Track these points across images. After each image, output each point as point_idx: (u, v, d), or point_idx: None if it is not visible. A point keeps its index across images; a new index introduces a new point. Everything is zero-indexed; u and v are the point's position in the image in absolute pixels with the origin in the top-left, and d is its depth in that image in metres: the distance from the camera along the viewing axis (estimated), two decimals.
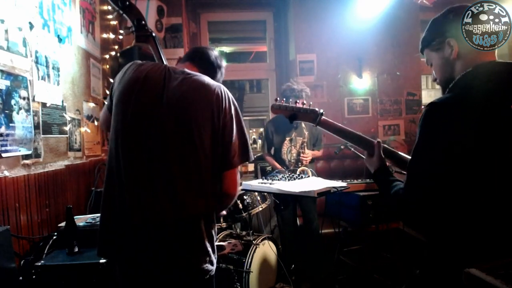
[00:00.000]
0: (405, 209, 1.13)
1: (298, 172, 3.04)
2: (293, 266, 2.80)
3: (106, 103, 1.46)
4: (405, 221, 1.48)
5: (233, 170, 1.34)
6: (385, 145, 1.45)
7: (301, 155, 3.19)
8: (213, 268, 1.31)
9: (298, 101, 1.62)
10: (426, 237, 1.22)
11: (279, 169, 3.22)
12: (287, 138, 3.33)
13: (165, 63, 1.75)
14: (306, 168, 3.18)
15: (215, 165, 1.30)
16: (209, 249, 1.29)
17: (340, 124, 1.58)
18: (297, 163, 3.21)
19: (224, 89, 1.35)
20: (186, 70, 1.38)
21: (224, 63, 1.57)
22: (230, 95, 1.37)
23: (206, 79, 1.36)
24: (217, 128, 1.29)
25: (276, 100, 1.63)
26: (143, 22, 1.74)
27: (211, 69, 1.50)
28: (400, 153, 1.46)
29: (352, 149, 2.96)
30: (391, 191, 1.19)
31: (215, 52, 1.54)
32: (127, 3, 1.70)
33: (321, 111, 1.58)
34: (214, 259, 1.32)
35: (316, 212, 3.27)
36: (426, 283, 1.22)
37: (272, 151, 3.50)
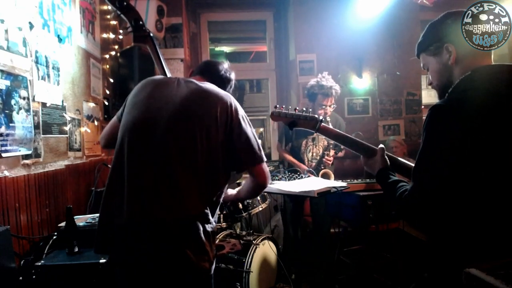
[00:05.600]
0: (412, 210, 1.13)
1: (320, 175, 2.94)
2: (293, 268, 2.80)
3: (116, 114, 1.51)
4: (411, 222, 1.48)
5: (260, 165, 1.40)
6: (389, 154, 1.45)
7: (325, 157, 3.04)
8: (212, 268, 1.32)
9: (297, 107, 1.62)
10: (431, 238, 1.22)
11: (300, 166, 3.07)
12: (309, 137, 3.16)
13: (163, 63, 1.77)
14: (329, 171, 3.04)
15: (219, 169, 1.33)
16: (208, 248, 1.29)
17: (340, 131, 1.59)
18: (319, 164, 3.07)
19: (231, 98, 1.42)
20: (197, 81, 1.44)
21: (233, 76, 1.63)
22: (238, 104, 1.43)
23: (215, 88, 1.43)
24: (223, 135, 1.33)
25: (275, 107, 1.63)
26: (140, 22, 1.75)
27: (221, 82, 1.56)
28: (400, 159, 1.46)
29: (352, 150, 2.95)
30: (396, 193, 1.18)
31: (224, 65, 1.60)
32: (125, 3, 1.71)
33: (321, 118, 1.58)
34: (213, 259, 1.33)
35: (327, 214, 3.10)
36: (434, 285, 1.22)
37: (288, 148, 3.32)
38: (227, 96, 1.41)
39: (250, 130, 1.41)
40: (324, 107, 2.98)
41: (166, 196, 1.24)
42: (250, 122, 1.44)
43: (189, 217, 1.26)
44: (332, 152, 3.07)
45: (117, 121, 1.48)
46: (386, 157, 1.40)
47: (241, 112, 1.42)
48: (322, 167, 3.07)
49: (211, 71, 1.57)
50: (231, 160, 1.37)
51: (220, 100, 1.37)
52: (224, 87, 1.57)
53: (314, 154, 3.17)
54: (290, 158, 3.23)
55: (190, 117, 1.31)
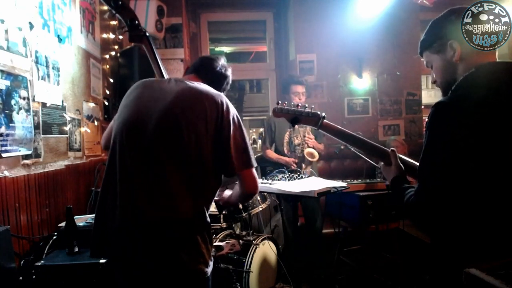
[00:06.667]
0: (417, 210, 1.12)
1: (305, 154, 3.15)
2: (292, 268, 2.80)
3: (114, 118, 1.49)
4: (417, 223, 1.45)
5: (247, 170, 1.36)
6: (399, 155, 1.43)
7: (306, 136, 3.23)
8: (208, 269, 1.31)
9: (300, 104, 1.62)
10: (434, 238, 1.21)
11: (285, 159, 3.25)
12: (289, 130, 3.35)
13: (159, 63, 1.76)
14: (313, 150, 3.20)
15: (209, 168, 1.31)
16: (204, 250, 1.28)
17: (342, 128, 1.57)
18: (303, 145, 3.25)
19: (223, 97, 1.38)
20: (189, 81, 1.41)
21: (229, 72, 1.58)
22: (230, 104, 1.39)
23: (206, 87, 1.39)
24: (212, 135, 1.29)
25: (278, 103, 1.63)
26: (136, 22, 1.75)
27: (216, 80, 1.53)
28: (408, 159, 1.45)
29: (352, 149, 2.95)
30: (404, 197, 1.18)
31: (220, 61, 1.55)
32: (120, 3, 1.70)
33: (323, 114, 1.57)
34: (209, 260, 1.32)
35: (320, 211, 3.26)
36: (436, 286, 1.22)
37: (273, 148, 3.50)
38: (219, 95, 1.37)
39: (239, 133, 1.35)
40: (297, 93, 3.29)
41: (157, 198, 1.23)
42: (242, 124, 1.38)
43: (182, 218, 1.24)
44: (312, 135, 3.29)
45: (113, 124, 1.47)
46: (400, 164, 1.38)
47: (233, 112, 1.36)
48: (307, 146, 3.25)
49: (206, 68, 1.52)
50: (220, 162, 1.33)
51: (211, 99, 1.33)
52: (220, 84, 1.54)
53: (296, 144, 3.34)
54: (275, 156, 3.40)
55: (179, 116, 1.27)
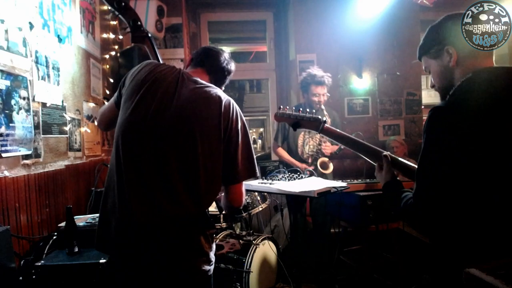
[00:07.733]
0: (416, 215, 1.12)
1: (318, 164, 3.03)
2: (294, 269, 2.80)
3: (113, 97, 1.47)
4: (416, 224, 1.46)
5: (238, 184, 1.36)
6: (392, 156, 1.43)
7: (322, 145, 3.11)
8: (211, 268, 1.31)
9: (301, 108, 1.63)
10: (433, 239, 1.21)
11: (298, 165, 3.11)
12: (305, 130, 3.15)
13: (161, 63, 1.76)
14: (327, 159, 3.10)
15: (216, 173, 1.31)
16: (207, 249, 1.29)
17: (342, 132, 1.58)
18: (317, 154, 3.14)
19: (233, 104, 1.38)
20: (199, 79, 1.39)
21: (233, 67, 1.57)
22: (239, 110, 1.39)
23: (218, 91, 1.38)
24: (222, 141, 1.30)
25: (279, 108, 1.65)
26: (138, 23, 1.76)
27: (220, 74, 1.52)
28: (405, 161, 1.45)
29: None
30: (401, 203, 1.19)
31: (225, 55, 1.54)
32: (123, 4, 1.71)
33: (324, 119, 1.59)
34: (212, 259, 1.32)
35: (327, 214, 3.17)
36: (436, 286, 1.22)
37: (285, 146, 3.37)
38: (229, 101, 1.36)
39: (246, 142, 1.36)
40: (317, 95, 3.10)
41: (159, 199, 1.23)
42: (248, 134, 1.39)
43: (184, 218, 1.25)
44: (328, 142, 3.15)
45: (114, 107, 1.43)
46: (392, 169, 1.39)
47: (242, 121, 1.37)
48: (321, 156, 3.14)
49: (212, 62, 1.50)
50: (226, 169, 1.33)
51: (224, 106, 1.33)
52: (224, 79, 1.54)
53: (312, 146, 3.20)
54: (287, 157, 3.26)
55: (192, 121, 1.27)
